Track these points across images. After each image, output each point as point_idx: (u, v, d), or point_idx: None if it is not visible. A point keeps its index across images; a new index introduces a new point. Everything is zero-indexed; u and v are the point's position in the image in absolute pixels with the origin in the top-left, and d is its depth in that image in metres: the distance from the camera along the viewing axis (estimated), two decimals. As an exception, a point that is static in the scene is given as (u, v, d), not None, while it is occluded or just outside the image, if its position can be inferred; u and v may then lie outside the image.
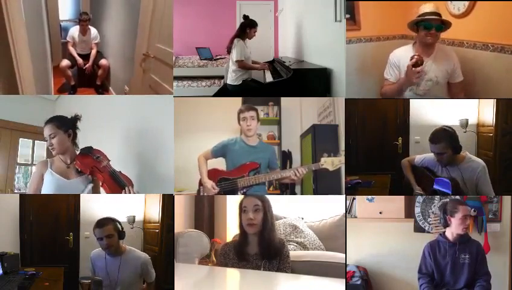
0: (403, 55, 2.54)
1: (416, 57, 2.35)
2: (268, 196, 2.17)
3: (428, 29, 2.41)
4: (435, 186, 2.41)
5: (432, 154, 2.44)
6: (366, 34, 2.98)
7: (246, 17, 3.56)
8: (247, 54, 3.51)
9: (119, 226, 2.33)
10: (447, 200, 2.42)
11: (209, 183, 2.55)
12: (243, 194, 2.53)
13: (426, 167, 2.52)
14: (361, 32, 2.97)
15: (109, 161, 2.46)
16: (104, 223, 2.29)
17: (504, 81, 2.47)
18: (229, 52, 3.58)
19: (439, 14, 2.42)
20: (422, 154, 2.58)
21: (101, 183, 2.37)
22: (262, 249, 2.06)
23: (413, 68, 2.34)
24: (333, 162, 2.45)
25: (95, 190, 2.47)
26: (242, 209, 2.09)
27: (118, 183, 2.33)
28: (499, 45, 2.45)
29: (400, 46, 2.64)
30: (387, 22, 2.94)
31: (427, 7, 2.43)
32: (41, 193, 2.38)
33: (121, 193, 2.33)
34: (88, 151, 2.43)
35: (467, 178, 2.36)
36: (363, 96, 2.89)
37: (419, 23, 2.43)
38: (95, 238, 2.33)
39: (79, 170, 2.40)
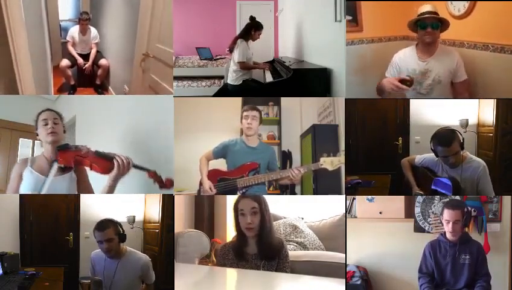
0: (407, 55, 2.58)
1: (408, 77, 2.44)
2: (267, 196, 2.17)
3: (425, 28, 2.44)
4: (433, 187, 2.41)
5: (432, 154, 2.43)
6: (368, 36, 2.98)
7: (252, 18, 3.51)
8: (249, 55, 3.50)
9: (120, 229, 2.29)
10: (447, 200, 2.42)
11: (207, 185, 2.56)
12: (242, 194, 2.53)
13: (426, 167, 2.52)
14: (363, 34, 2.97)
15: (89, 148, 2.28)
16: (105, 226, 2.24)
17: (504, 81, 2.47)
18: (231, 51, 3.56)
19: (436, 13, 2.44)
20: (422, 155, 2.58)
21: (89, 168, 2.21)
22: (261, 249, 2.05)
23: (398, 82, 2.43)
24: (332, 162, 2.45)
25: (80, 185, 2.31)
26: (238, 211, 2.06)
27: (105, 158, 2.17)
28: (499, 45, 2.45)
29: (401, 47, 2.66)
30: (389, 23, 2.95)
31: (425, 7, 2.46)
32: (20, 193, 2.24)
33: (113, 166, 2.13)
34: (66, 146, 2.25)
35: (467, 178, 2.35)
36: (366, 97, 2.89)
37: (417, 23, 2.46)
38: (95, 239, 2.31)
39: (63, 166, 2.22)
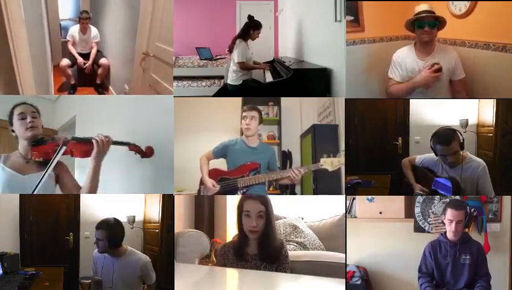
0: (405, 54, 2.60)
1: (436, 65, 2.43)
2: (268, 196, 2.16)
3: (422, 27, 2.46)
4: (433, 187, 2.41)
5: (432, 154, 2.44)
6: (369, 36, 2.99)
7: (250, 17, 3.49)
8: (249, 55, 3.49)
9: (112, 234, 2.31)
10: (447, 200, 2.42)
11: (210, 182, 2.56)
12: (242, 194, 2.53)
13: (426, 167, 2.52)
14: (365, 34, 2.97)
15: (65, 137, 2.21)
16: (100, 226, 2.30)
17: (506, 80, 2.47)
18: (230, 51, 3.56)
19: (432, 12, 2.46)
20: (422, 155, 2.58)
21: (70, 155, 2.13)
22: (262, 250, 2.04)
23: (434, 73, 2.43)
24: (332, 163, 2.46)
25: (61, 181, 2.18)
26: (243, 212, 2.02)
27: (83, 142, 2.11)
28: (500, 44, 2.46)
29: (402, 46, 2.67)
30: (391, 23, 2.95)
31: (421, 7, 2.49)
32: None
33: (93, 147, 2.06)
34: (40, 140, 2.13)
35: (467, 178, 2.35)
36: (368, 96, 2.89)
37: (414, 23, 2.48)
38: (94, 239, 2.33)
39: (41, 160, 2.09)
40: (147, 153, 2.30)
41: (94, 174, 2.06)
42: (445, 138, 2.31)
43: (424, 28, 2.46)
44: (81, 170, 2.36)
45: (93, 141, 2.06)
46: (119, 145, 2.20)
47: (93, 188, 2.08)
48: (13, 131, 2.14)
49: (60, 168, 2.19)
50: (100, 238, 2.29)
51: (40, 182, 2.02)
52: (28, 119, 2.09)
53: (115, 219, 2.37)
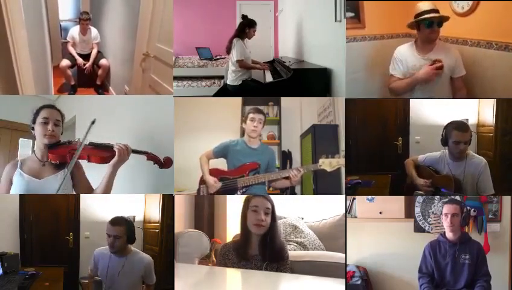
0: (406, 51, 2.61)
1: (438, 62, 2.46)
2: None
3: (431, 26, 2.46)
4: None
5: (434, 153, 2.48)
6: (370, 33, 2.99)
7: (244, 16, 3.54)
8: (247, 54, 3.50)
9: (131, 230, 2.28)
10: (447, 200, 2.43)
11: (211, 179, 2.55)
12: (242, 193, 2.53)
13: (429, 166, 2.54)
14: (366, 31, 2.98)
15: (80, 140, 2.18)
16: (118, 222, 2.24)
17: (507, 80, 2.47)
18: (228, 52, 3.57)
19: (437, 10, 2.46)
20: (423, 154, 2.59)
21: (87, 160, 2.11)
22: (265, 250, 2.03)
23: (436, 70, 2.46)
24: (331, 163, 2.45)
25: (76, 181, 2.17)
26: (250, 208, 2.03)
27: (101, 148, 2.12)
28: (502, 43, 2.46)
29: (403, 44, 2.67)
30: (391, 21, 2.96)
31: (425, 5, 2.48)
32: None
33: (110, 155, 2.06)
34: (57, 143, 2.13)
35: (469, 173, 2.39)
36: (368, 94, 2.89)
37: (421, 22, 2.47)
38: (95, 238, 2.32)
39: (57, 163, 2.10)
40: (165, 163, 2.24)
41: (110, 180, 2.08)
42: (463, 125, 2.37)
43: (433, 28, 2.46)
44: (89, 171, 2.35)
45: (116, 149, 2.07)
46: (137, 154, 2.19)
47: (107, 191, 2.11)
48: (33, 129, 2.13)
49: (76, 169, 2.19)
50: (119, 235, 2.22)
51: (61, 184, 2.04)
52: (49, 127, 2.08)
53: (127, 217, 2.34)
